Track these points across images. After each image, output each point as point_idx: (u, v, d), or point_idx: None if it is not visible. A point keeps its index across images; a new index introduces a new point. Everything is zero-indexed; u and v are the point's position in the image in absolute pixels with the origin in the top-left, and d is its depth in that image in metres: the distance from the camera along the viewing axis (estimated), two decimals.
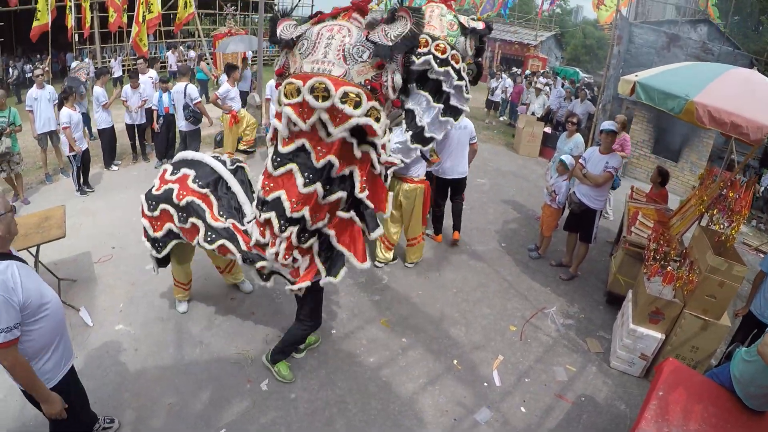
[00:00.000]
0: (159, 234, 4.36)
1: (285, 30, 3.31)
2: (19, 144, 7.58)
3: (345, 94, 2.94)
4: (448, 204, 6.85)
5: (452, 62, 4.89)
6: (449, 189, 6.60)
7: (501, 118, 16.54)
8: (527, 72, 21.50)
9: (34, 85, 8.21)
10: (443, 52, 4.78)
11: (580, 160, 6.26)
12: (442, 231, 7.14)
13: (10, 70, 17.66)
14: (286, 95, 3.11)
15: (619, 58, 11.82)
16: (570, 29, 45.91)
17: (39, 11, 14.55)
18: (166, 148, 9.33)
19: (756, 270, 4.86)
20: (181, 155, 4.49)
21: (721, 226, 4.75)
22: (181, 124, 8.78)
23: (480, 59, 5.11)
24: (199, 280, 5.66)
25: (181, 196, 4.11)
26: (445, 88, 5.02)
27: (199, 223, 4.05)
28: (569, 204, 6.42)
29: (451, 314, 5.50)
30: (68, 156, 7.78)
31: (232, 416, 3.97)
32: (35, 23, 14.65)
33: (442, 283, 6.08)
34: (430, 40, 4.70)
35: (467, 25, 4.98)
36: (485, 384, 4.54)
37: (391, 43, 3.02)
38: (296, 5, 28.68)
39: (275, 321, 5.13)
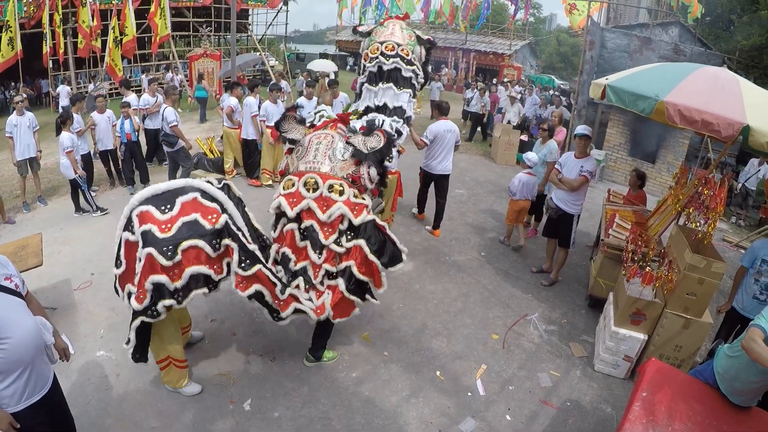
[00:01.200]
0: (179, 283, 3.59)
1: (288, 127, 4.57)
2: None
3: (331, 186, 4.09)
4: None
5: (416, 63, 5.34)
6: (432, 182, 7.50)
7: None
8: (504, 79, 21.73)
9: (14, 112, 8.15)
10: (407, 55, 5.23)
11: (556, 166, 6.31)
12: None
13: None
14: (283, 188, 4.24)
15: (592, 64, 11.98)
16: (544, 37, 46.62)
17: (0, 50, 14.46)
18: (132, 173, 9.23)
19: (737, 266, 4.89)
20: (163, 187, 3.78)
21: (698, 224, 4.78)
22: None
23: (427, 67, 5.65)
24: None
25: (213, 219, 3.64)
26: (414, 82, 5.39)
27: (234, 245, 3.71)
28: (546, 210, 6.46)
29: (433, 325, 5.47)
30: (75, 179, 7.81)
31: None
32: (1, 59, 14.55)
33: (422, 295, 6.06)
34: (396, 46, 5.16)
35: (422, 37, 5.50)
36: (469, 394, 4.50)
37: (366, 152, 4.26)
38: (270, 24, 28.85)
39: (256, 341, 5.07)
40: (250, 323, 5.32)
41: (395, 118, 5.12)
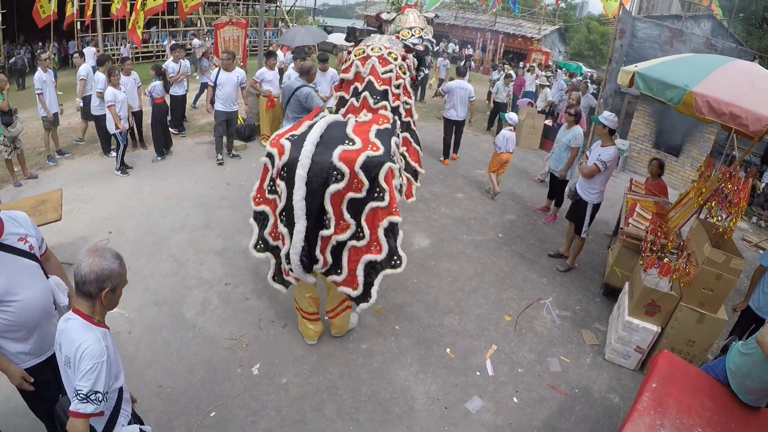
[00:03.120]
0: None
1: None
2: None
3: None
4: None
5: (429, 38, 6.23)
6: (454, 126, 9.97)
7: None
8: (531, 64, 21.41)
9: (39, 69, 8.30)
10: (425, 34, 6.14)
11: (587, 152, 6.29)
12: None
13: (13, 59, 17.64)
14: None
15: (621, 52, 11.74)
16: (574, 23, 45.65)
17: (41, 5, 14.47)
18: (162, 141, 9.32)
19: (755, 266, 4.82)
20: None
21: (719, 218, 4.70)
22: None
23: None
24: (194, 265, 5.65)
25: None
26: (429, 49, 6.29)
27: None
28: (567, 194, 6.43)
29: (446, 303, 5.48)
30: (114, 134, 8.06)
31: (222, 399, 3.95)
32: (42, 14, 14.55)
33: (437, 272, 6.06)
34: (420, 30, 5.99)
35: (429, 17, 6.46)
36: (478, 373, 4.52)
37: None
38: None
39: (269, 307, 5.12)
40: (264, 289, 5.36)
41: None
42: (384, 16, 6.36)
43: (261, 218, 4.15)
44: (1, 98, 7.20)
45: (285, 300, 5.16)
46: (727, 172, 4.87)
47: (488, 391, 4.33)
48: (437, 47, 7.38)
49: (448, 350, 4.75)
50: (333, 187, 3.65)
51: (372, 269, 3.86)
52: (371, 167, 3.64)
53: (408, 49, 5.69)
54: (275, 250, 4.17)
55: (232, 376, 4.21)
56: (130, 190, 7.59)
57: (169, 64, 10.12)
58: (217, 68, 8.76)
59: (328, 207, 3.72)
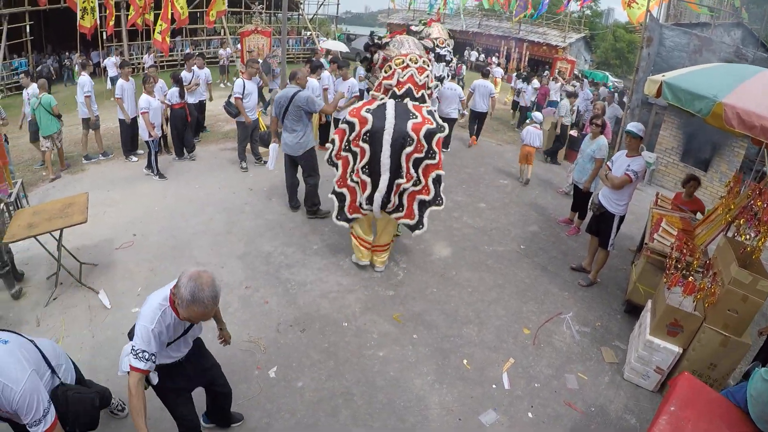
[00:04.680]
0: None
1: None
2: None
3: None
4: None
5: (447, 47, 8.79)
6: (476, 118, 12.28)
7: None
8: (556, 73, 21.26)
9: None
10: (444, 44, 8.50)
11: (607, 162, 6.19)
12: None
13: (40, 67, 18.23)
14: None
15: (648, 61, 11.58)
16: (600, 32, 45.15)
17: (86, 12, 14.77)
18: (180, 144, 9.55)
19: None
20: None
21: (747, 237, 4.59)
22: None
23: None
24: (215, 268, 5.70)
25: None
26: (447, 58, 8.87)
27: None
28: (590, 206, 6.34)
29: (465, 313, 5.45)
30: (146, 141, 8.33)
31: (239, 400, 3.98)
32: (83, 23, 14.85)
33: (457, 282, 6.03)
34: (444, 40, 8.11)
35: (450, 32, 9.19)
36: (494, 386, 4.48)
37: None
38: (322, 4, 28.80)
39: (288, 311, 5.16)
40: (284, 293, 5.42)
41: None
42: (414, 28, 7.20)
43: (334, 166, 5.55)
44: (54, 102, 8.24)
45: (304, 305, 5.22)
46: (757, 189, 4.75)
47: (503, 404, 4.29)
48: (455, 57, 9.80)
49: (465, 361, 4.72)
50: (407, 149, 5.05)
51: (423, 206, 5.33)
52: (430, 135, 5.06)
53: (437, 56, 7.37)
54: (340, 196, 5.56)
55: (249, 377, 4.25)
56: (154, 195, 7.73)
57: (184, 74, 10.22)
58: (241, 79, 8.77)
59: (404, 163, 5.13)
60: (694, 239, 5.51)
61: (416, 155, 5.08)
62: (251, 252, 6.22)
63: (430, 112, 5.29)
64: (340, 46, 18.70)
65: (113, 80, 9.72)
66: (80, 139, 9.48)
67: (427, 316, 5.31)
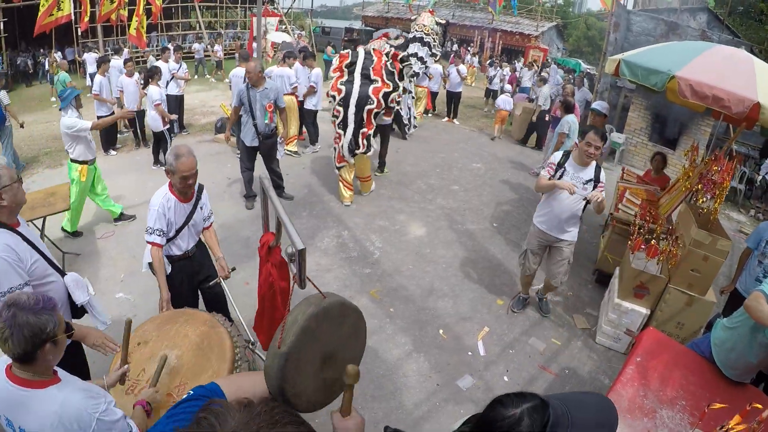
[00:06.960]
0: None
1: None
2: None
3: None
4: None
5: (433, 36, 9.60)
6: (452, 98, 13.82)
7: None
8: (529, 62, 21.50)
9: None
10: (429, 32, 9.54)
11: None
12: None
13: (19, 61, 18.48)
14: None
15: (616, 46, 11.83)
16: (572, 20, 45.66)
17: (63, 3, 14.52)
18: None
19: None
20: None
21: (704, 200, 4.79)
22: None
23: (444, 38, 9.66)
24: None
25: None
26: (431, 44, 9.53)
27: None
28: None
29: (440, 287, 5.59)
30: (163, 131, 8.34)
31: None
32: (49, 18, 14.52)
33: (432, 259, 6.18)
34: (430, 29, 9.47)
35: (440, 22, 10.07)
36: (469, 353, 4.63)
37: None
38: None
39: None
40: None
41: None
42: (391, 35, 10.08)
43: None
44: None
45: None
46: (713, 155, 4.96)
47: (479, 370, 4.44)
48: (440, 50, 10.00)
49: (441, 331, 4.86)
50: (368, 107, 6.69)
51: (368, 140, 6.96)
52: (386, 97, 6.77)
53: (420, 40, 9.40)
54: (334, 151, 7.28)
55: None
56: (134, 186, 7.74)
57: (171, 64, 10.42)
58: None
59: (364, 117, 6.75)
60: (658, 208, 5.72)
61: (375, 111, 6.76)
62: (230, 236, 6.29)
63: (389, 74, 6.86)
64: (285, 37, 18.86)
65: (92, 76, 9.56)
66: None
67: (403, 291, 5.44)
